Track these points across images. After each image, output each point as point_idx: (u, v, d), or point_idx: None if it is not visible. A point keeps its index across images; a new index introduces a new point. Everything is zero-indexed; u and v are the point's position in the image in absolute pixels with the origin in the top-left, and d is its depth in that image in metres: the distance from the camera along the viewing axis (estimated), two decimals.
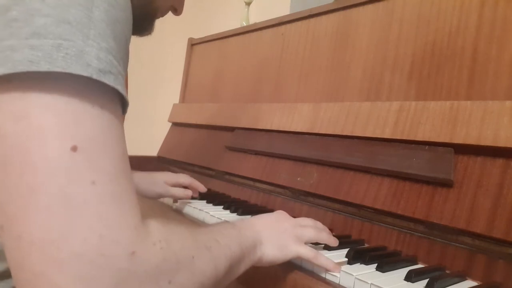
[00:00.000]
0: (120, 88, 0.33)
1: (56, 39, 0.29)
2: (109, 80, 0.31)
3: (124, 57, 0.35)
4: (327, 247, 0.60)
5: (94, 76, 0.30)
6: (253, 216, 0.57)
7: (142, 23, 0.52)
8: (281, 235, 0.54)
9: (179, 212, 0.85)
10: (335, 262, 0.53)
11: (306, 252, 0.53)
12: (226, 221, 0.57)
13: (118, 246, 0.30)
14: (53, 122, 0.29)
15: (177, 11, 0.60)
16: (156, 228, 0.34)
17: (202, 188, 0.91)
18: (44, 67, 0.28)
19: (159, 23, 0.58)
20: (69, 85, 0.30)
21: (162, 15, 0.58)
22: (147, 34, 0.58)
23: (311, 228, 0.58)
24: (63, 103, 0.29)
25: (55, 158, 0.29)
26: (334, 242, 0.59)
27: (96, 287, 0.28)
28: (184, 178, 0.89)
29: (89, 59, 0.30)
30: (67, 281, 0.27)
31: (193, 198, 0.89)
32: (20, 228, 0.28)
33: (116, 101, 0.34)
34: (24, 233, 0.28)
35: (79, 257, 0.28)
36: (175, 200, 0.89)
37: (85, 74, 0.29)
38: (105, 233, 0.29)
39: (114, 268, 0.29)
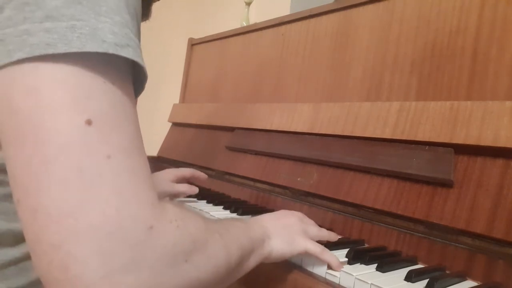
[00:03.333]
0: (140, 60, 0.32)
1: (69, 21, 0.29)
2: (127, 53, 0.31)
3: (137, 32, 0.35)
4: (327, 247, 0.60)
5: (111, 51, 0.30)
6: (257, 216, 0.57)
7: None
8: (288, 230, 0.54)
9: None
10: (339, 260, 0.53)
11: (313, 247, 0.53)
12: (232, 217, 0.58)
13: (136, 220, 0.29)
14: (65, 96, 0.29)
15: None
16: (171, 208, 0.34)
17: (203, 176, 0.91)
18: (61, 49, 0.28)
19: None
20: (82, 62, 0.30)
21: None
22: (145, 20, 0.56)
23: (313, 225, 0.60)
24: (75, 79, 0.29)
25: (69, 131, 0.28)
26: (334, 237, 0.62)
27: (114, 260, 0.28)
28: (185, 170, 0.90)
29: (103, 35, 0.30)
30: (85, 252, 0.27)
31: (190, 196, 0.90)
32: (36, 200, 0.28)
33: (129, 77, 0.34)
34: (40, 205, 0.28)
35: (97, 230, 0.28)
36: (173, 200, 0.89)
37: (100, 50, 0.29)
38: (122, 207, 0.29)
39: (132, 242, 0.29)
